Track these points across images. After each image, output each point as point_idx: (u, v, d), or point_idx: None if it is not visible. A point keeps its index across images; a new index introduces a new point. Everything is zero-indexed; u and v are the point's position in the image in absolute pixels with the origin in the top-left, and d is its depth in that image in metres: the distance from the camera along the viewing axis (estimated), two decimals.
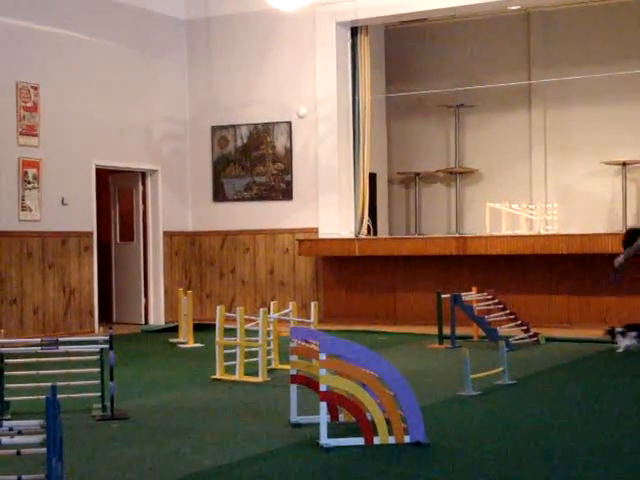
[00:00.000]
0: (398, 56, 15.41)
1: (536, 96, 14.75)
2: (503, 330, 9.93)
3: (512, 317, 10.35)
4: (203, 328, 11.34)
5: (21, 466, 4.35)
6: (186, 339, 10.75)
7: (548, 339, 10.23)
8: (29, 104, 11.46)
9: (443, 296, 10.08)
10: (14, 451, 3.66)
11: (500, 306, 10.43)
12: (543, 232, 12.41)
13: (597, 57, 14.16)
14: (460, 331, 10.16)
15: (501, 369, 7.36)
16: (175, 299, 12.43)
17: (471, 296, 10.32)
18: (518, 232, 12.14)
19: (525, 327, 10.30)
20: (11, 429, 3.66)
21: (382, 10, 12.79)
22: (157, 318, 13.39)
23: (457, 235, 12.44)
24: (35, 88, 11.53)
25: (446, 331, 10.03)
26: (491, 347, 9.28)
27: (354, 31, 13.29)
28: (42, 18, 11.71)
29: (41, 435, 3.58)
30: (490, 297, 10.46)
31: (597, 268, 11.44)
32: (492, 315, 10.22)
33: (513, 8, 14.07)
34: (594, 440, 5.40)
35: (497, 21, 14.92)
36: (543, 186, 14.62)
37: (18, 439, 3.62)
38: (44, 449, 3.55)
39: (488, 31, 15.04)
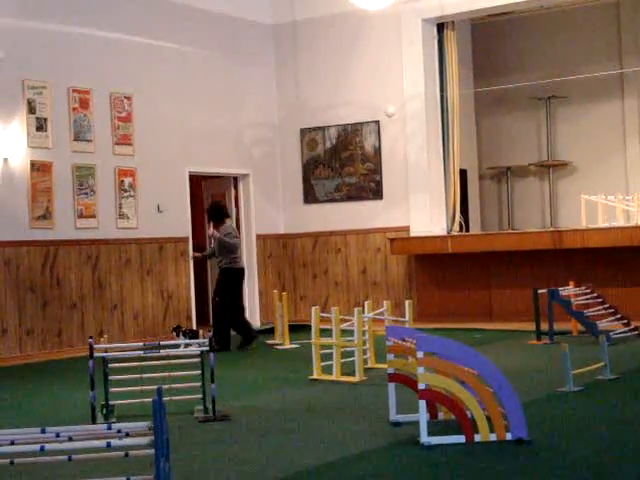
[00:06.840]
0: (485, 50, 15.24)
1: (629, 85, 14.40)
2: (603, 324, 9.74)
3: (612, 311, 10.14)
4: (298, 329, 11.42)
5: (129, 467, 4.47)
6: (282, 340, 10.86)
7: None
8: (123, 114, 11.73)
9: (539, 291, 9.94)
10: (122, 453, 3.74)
11: (599, 300, 10.22)
12: None
13: None
14: (558, 326, 10.01)
15: (602, 364, 7.23)
16: (270, 301, 12.55)
17: (568, 290, 10.15)
18: (615, 224, 11.88)
19: (625, 321, 10.08)
20: (119, 431, 3.74)
21: (468, 5, 12.69)
22: (253, 320, 13.49)
23: (552, 229, 12.22)
24: (129, 98, 11.80)
25: (543, 327, 9.89)
26: (590, 342, 9.11)
27: (440, 27, 13.21)
28: (134, 30, 11.97)
29: (149, 437, 3.64)
30: (588, 291, 10.27)
31: None
32: (591, 309, 10.03)
33: None
34: None
35: (585, 10, 14.63)
36: (639, 176, 14.28)
37: (126, 441, 3.69)
38: (152, 450, 3.62)
39: (577, 21, 14.76)
